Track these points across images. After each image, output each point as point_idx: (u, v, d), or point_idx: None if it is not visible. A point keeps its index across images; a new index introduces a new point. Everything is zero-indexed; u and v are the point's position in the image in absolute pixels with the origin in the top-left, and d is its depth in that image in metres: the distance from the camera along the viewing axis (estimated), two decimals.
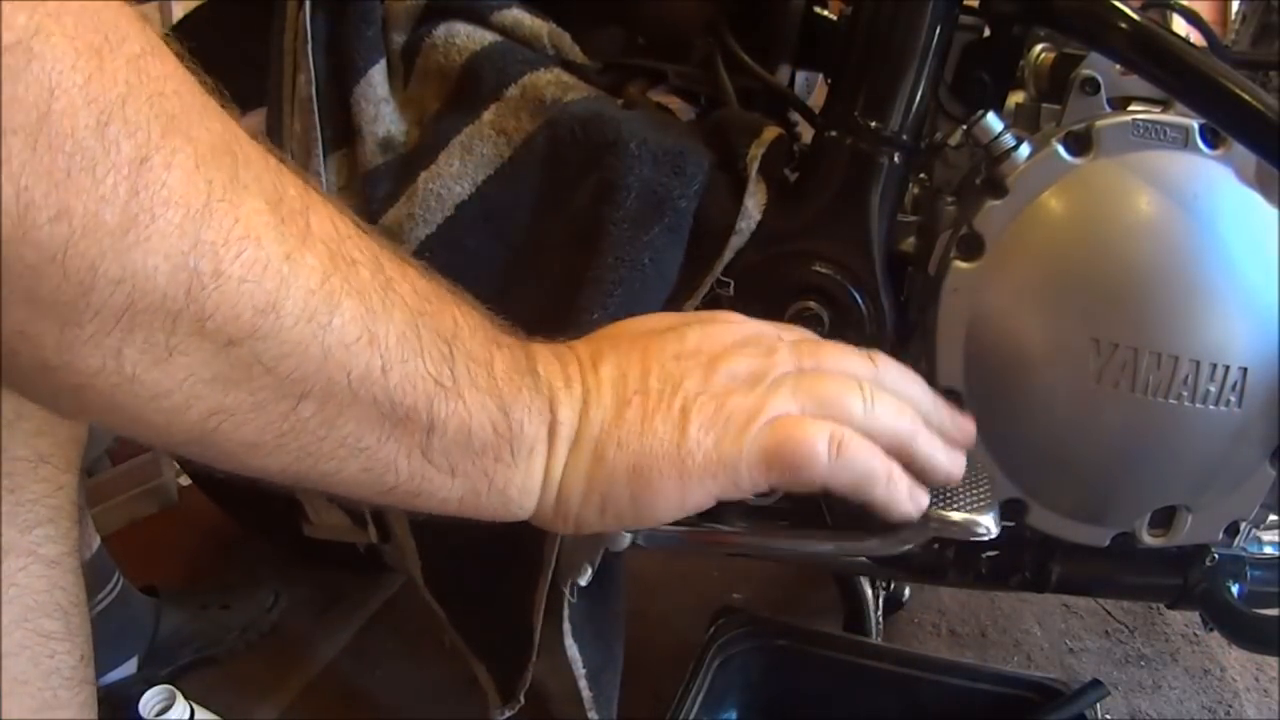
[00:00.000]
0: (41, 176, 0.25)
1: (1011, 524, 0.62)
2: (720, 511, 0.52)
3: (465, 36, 0.65)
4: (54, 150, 0.25)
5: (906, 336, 0.62)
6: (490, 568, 0.68)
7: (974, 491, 0.50)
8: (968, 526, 0.48)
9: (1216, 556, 0.65)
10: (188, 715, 0.68)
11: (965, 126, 0.57)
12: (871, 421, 0.43)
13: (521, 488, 0.41)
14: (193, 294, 0.29)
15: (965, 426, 0.49)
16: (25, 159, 0.25)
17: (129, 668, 0.91)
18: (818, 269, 0.60)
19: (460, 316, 0.38)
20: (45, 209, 0.26)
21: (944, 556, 0.68)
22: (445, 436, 0.37)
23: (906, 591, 1.04)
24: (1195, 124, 0.55)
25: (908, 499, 0.44)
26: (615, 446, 0.41)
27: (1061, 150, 0.55)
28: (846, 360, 0.46)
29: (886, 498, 0.44)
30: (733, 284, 0.60)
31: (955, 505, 0.48)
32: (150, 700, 0.68)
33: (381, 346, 0.34)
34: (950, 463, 0.46)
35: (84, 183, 0.26)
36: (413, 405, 0.36)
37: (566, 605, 0.62)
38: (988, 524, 0.48)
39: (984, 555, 0.67)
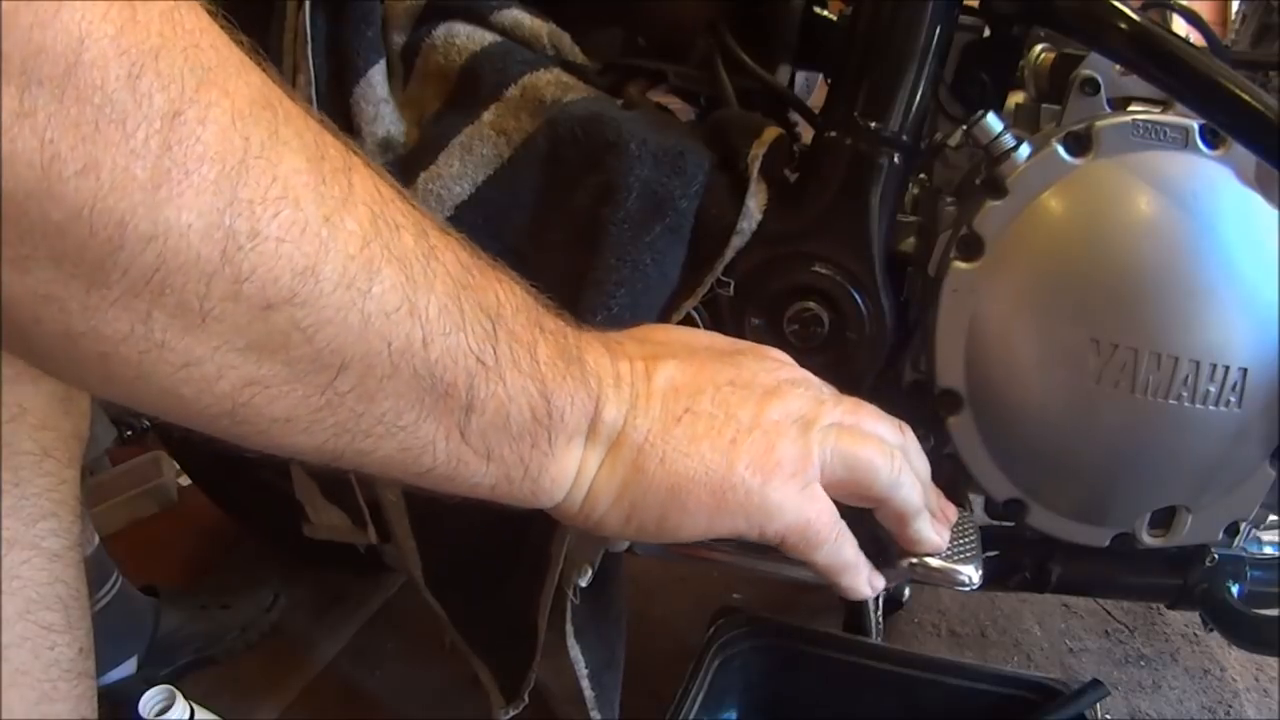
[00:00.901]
0: (68, 129, 0.24)
1: (1011, 524, 0.62)
2: None
3: (465, 37, 0.65)
4: (82, 102, 0.24)
5: (906, 336, 0.62)
6: (492, 569, 0.68)
7: (961, 541, 0.52)
8: (948, 575, 0.50)
9: (1216, 556, 0.65)
10: (187, 715, 0.68)
11: (965, 127, 0.57)
12: (891, 493, 0.45)
13: (555, 480, 0.40)
14: (228, 254, 0.27)
15: (949, 509, 0.51)
16: (52, 111, 0.24)
17: (129, 667, 0.91)
18: (818, 269, 0.60)
19: (503, 293, 0.37)
20: (72, 162, 0.25)
21: None
22: (483, 418, 0.36)
23: (906, 591, 1.04)
24: (1195, 124, 0.55)
25: (865, 584, 0.47)
26: (658, 461, 0.41)
27: (1061, 150, 0.55)
28: (882, 425, 0.47)
29: (841, 582, 0.46)
30: (733, 284, 0.60)
31: (942, 554, 0.50)
32: (150, 700, 0.68)
33: (423, 318, 0.33)
34: (941, 541, 0.49)
35: (113, 136, 0.25)
36: (453, 382, 0.34)
37: (569, 606, 0.62)
38: (969, 574, 0.50)
39: (984, 556, 0.67)
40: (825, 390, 0.47)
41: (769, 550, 0.44)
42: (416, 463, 0.36)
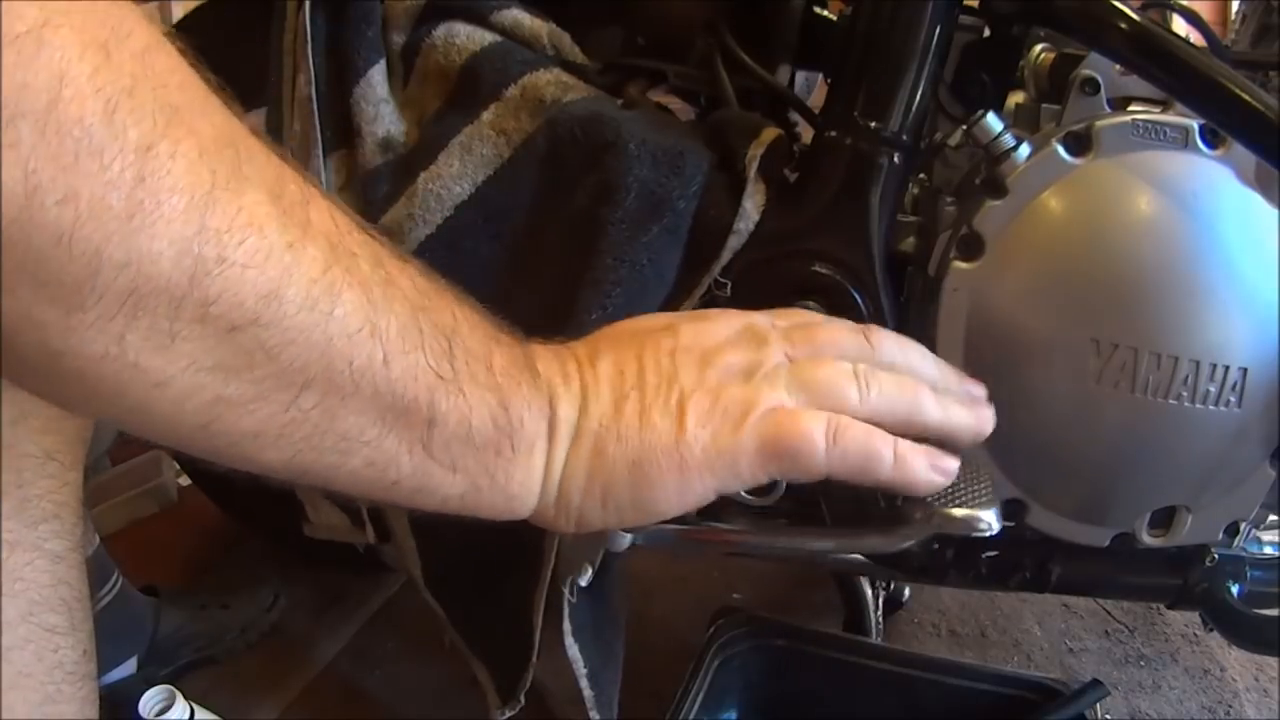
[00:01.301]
0: (49, 160, 0.26)
1: (1011, 524, 0.62)
2: (720, 510, 0.52)
3: (465, 37, 0.65)
4: (62, 135, 0.26)
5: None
6: (490, 568, 0.68)
7: (974, 488, 0.50)
8: (969, 522, 0.48)
9: (1216, 556, 0.64)
10: (187, 715, 0.68)
11: (965, 126, 0.57)
12: (869, 404, 0.44)
13: (523, 484, 0.41)
14: (196, 279, 0.29)
15: (975, 388, 0.49)
16: (34, 143, 0.26)
17: (129, 667, 0.91)
18: (817, 269, 0.60)
19: (459, 313, 0.39)
20: (53, 192, 0.26)
21: (944, 557, 0.68)
22: (446, 430, 0.37)
23: (906, 591, 1.04)
24: (1195, 124, 0.55)
25: (926, 470, 0.44)
26: (615, 441, 0.42)
27: (1061, 150, 0.55)
28: (840, 343, 0.46)
29: (898, 477, 0.44)
30: (730, 284, 0.60)
31: (956, 502, 0.48)
32: (150, 700, 0.68)
33: (383, 338, 0.35)
34: (971, 418, 0.47)
35: (91, 167, 0.27)
36: (414, 398, 0.36)
37: (566, 605, 0.62)
38: (989, 519, 0.48)
39: (984, 555, 0.67)
40: (776, 327, 0.46)
41: (780, 524, 0.43)
42: (383, 476, 0.37)
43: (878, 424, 0.44)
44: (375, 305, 0.34)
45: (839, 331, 0.47)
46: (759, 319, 0.47)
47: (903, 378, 0.46)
